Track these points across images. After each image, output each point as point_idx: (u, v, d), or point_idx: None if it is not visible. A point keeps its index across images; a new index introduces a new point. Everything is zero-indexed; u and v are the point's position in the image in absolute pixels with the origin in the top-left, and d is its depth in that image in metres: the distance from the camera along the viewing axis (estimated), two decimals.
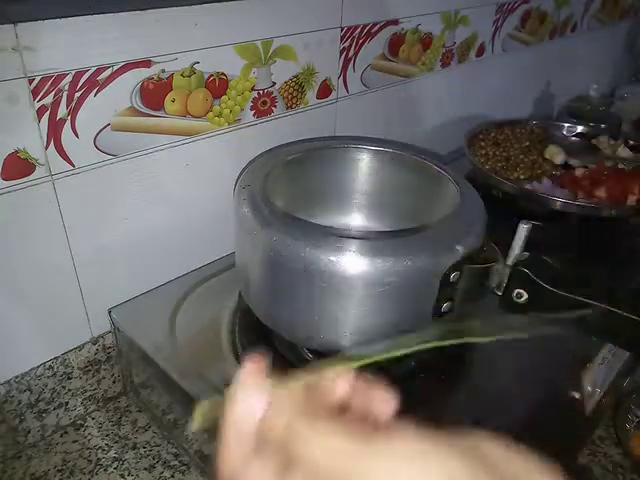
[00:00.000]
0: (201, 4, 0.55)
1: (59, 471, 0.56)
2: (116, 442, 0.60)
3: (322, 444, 0.21)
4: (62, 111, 0.49)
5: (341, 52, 0.72)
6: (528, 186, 0.81)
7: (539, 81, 1.24)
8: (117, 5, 0.49)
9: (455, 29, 0.90)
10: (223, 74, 0.60)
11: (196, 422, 0.25)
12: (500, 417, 0.50)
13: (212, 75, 0.59)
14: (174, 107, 0.57)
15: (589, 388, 0.61)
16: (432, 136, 0.98)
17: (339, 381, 0.25)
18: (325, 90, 0.73)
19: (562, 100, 1.28)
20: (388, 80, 0.82)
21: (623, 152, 0.92)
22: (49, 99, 0.48)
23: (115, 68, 0.51)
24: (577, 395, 0.59)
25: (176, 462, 0.58)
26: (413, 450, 0.21)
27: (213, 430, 0.24)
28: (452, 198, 0.51)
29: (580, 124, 0.99)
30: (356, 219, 0.63)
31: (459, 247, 0.44)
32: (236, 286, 0.56)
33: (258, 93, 0.64)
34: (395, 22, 0.78)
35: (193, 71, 0.57)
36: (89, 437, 0.60)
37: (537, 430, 0.51)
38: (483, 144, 0.90)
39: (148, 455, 0.58)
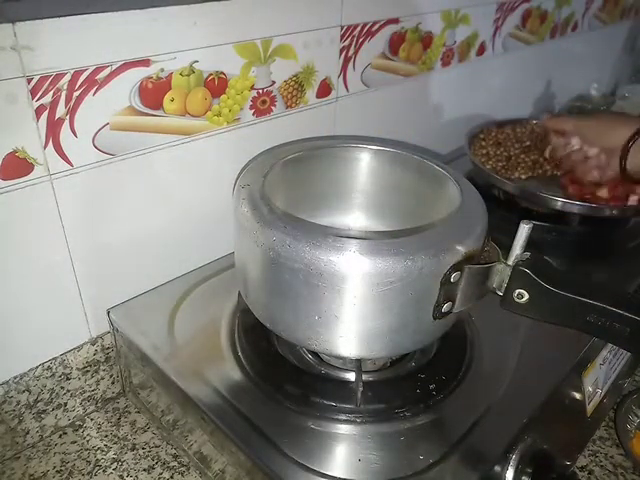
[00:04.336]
0: (200, 3, 0.54)
1: (58, 472, 0.56)
2: (115, 443, 0.59)
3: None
4: (61, 110, 0.49)
5: (341, 51, 0.72)
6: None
7: (540, 80, 1.24)
8: (116, 4, 0.49)
9: (455, 28, 0.90)
10: (222, 73, 0.60)
11: None
12: (500, 418, 0.50)
13: (211, 74, 0.59)
14: (173, 106, 0.57)
15: (590, 389, 0.61)
16: (432, 135, 0.97)
17: None
18: (325, 89, 0.72)
19: (563, 99, 1.28)
20: (388, 79, 0.82)
21: None
22: (48, 98, 0.48)
23: (114, 67, 0.51)
24: (578, 396, 0.59)
25: (175, 463, 0.57)
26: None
27: None
28: (453, 198, 0.51)
29: None
30: (356, 219, 0.62)
31: (460, 247, 0.44)
32: (235, 286, 0.56)
33: (257, 92, 0.64)
34: (395, 21, 0.78)
35: (192, 70, 0.57)
36: (88, 438, 0.60)
37: (538, 431, 0.51)
38: (484, 143, 0.90)
39: (147, 456, 0.58)
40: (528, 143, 0.90)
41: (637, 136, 0.70)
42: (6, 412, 0.56)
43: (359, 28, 0.73)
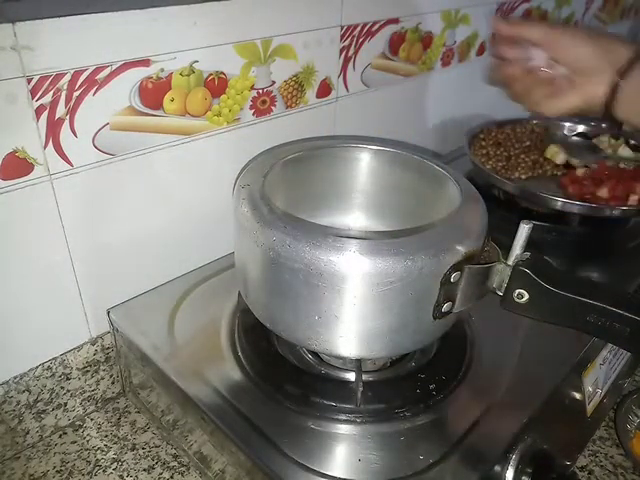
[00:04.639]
0: (200, 3, 0.54)
1: (58, 472, 0.56)
2: (115, 443, 0.59)
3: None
4: (61, 110, 0.49)
5: (341, 51, 0.72)
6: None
7: None
8: (116, 4, 0.49)
9: (456, 28, 0.90)
10: (222, 73, 0.60)
11: None
12: (500, 418, 0.50)
13: (211, 74, 0.59)
14: (173, 106, 0.57)
15: (590, 389, 0.61)
16: (432, 136, 0.97)
17: None
18: (325, 89, 0.72)
19: None
20: (388, 79, 0.82)
21: (624, 151, 0.91)
22: (48, 98, 0.48)
23: (114, 67, 0.51)
24: (578, 396, 0.59)
25: (175, 463, 0.57)
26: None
27: None
28: (453, 198, 0.51)
29: (581, 123, 0.99)
30: (356, 219, 0.62)
31: (460, 247, 0.44)
32: (235, 286, 0.56)
33: (257, 92, 0.64)
34: (395, 21, 0.78)
35: (192, 70, 0.57)
36: (88, 438, 0.60)
37: (538, 431, 0.51)
38: (484, 144, 0.90)
39: (147, 456, 0.58)
40: (528, 143, 0.90)
41: (634, 64, 0.48)
42: (6, 412, 0.56)
43: (359, 28, 0.73)
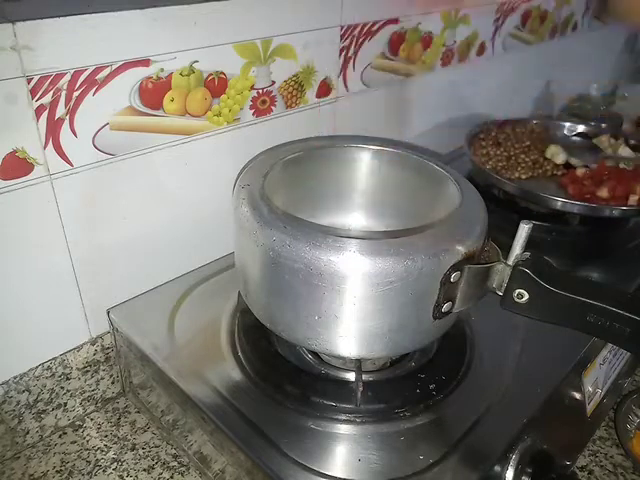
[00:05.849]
0: (200, 3, 0.54)
1: (58, 472, 0.56)
2: (115, 443, 0.59)
3: None
4: (61, 110, 0.49)
5: (341, 51, 0.72)
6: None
7: (540, 80, 1.24)
8: (116, 4, 0.49)
9: (455, 28, 0.90)
10: (222, 73, 0.60)
11: None
12: (500, 418, 0.50)
13: (211, 74, 0.59)
14: (173, 106, 0.57)
15: (590, 389, 0.61)
16: (432, 136, 0.97)
17: None
18: (325, 89, 0.72)
19: (563, 99, 1.28)
20: (388, 79, 0.82)
21: (624, 151, 0.91)
22: (48, 98, 0.48)
23: (114, 67, 0.51)
24: (578, 396, 0.59)
25: (175, 463, 0.57)
26: None
27: None
28: (453, 198, 0.51)
29: (581, 123, 0.99)
30: (356, 219, 0.62)
31: (460, 247, 0.44)
32: (235, 286, 0.56)
33: (257, 92, 0.64)
34: (395, 21, 0.78)
35: (192, 70, 0.57)
36: (88, 438, 0.60)
37: (538, 431, 0.51)
38: (484, 144, 0.90)
39: (147, 456, 0.58)
40: (528, 143, 0.90)
41: None
42: (6, 412, 0.56)
43: (359, 28, 0.73)
